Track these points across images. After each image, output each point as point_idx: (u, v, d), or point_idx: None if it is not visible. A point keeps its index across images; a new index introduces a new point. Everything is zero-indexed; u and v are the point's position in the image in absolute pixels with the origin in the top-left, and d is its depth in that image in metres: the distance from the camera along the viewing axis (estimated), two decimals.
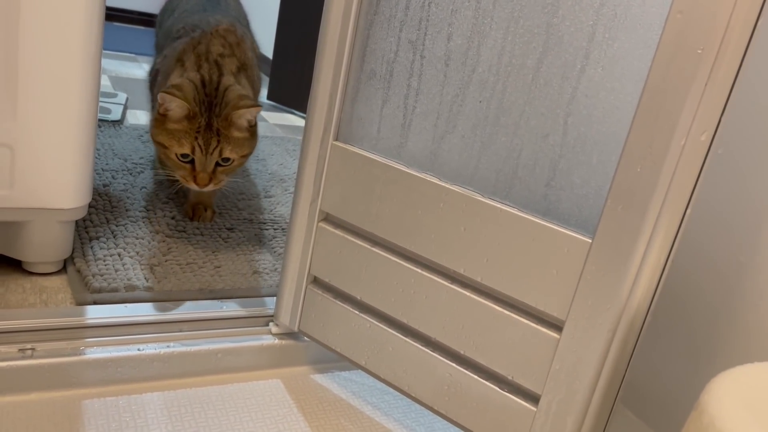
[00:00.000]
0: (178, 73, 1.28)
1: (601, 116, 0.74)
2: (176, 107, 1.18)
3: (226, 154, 1.21)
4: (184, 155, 1.21)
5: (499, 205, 0.82)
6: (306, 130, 0.99)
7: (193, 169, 1.22)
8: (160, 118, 1.21)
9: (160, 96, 1.17)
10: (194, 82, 1.23)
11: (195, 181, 1.22)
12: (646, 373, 1.04)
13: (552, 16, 0.75)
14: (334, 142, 0.96)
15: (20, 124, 1.01)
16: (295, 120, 2.63)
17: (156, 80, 1.43)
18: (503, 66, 0.80)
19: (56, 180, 1.07)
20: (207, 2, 1.59)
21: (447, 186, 0.86)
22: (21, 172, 1.04)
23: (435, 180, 0.87)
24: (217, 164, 1.23)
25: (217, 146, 1.20)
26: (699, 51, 0.65)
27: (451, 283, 0.89)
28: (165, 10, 1.75)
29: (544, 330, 0.81)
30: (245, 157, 1.27)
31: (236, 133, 1.22)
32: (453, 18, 0.83)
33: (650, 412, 1.03)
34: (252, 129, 1.26)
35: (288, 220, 1.54)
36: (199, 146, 1.19)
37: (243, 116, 1.22)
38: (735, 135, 0.91)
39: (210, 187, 1.24)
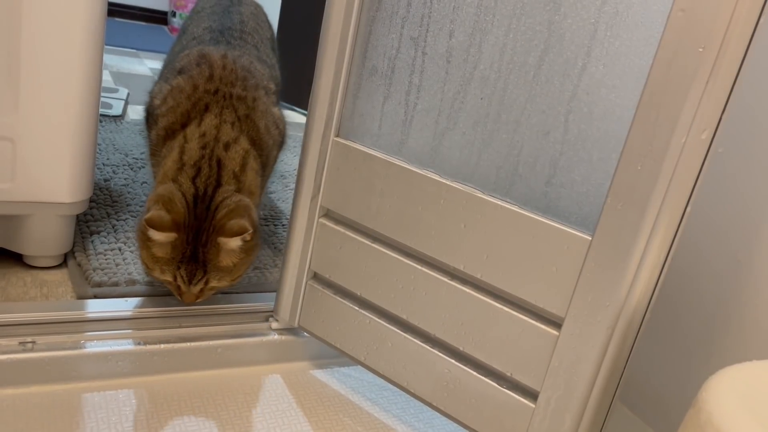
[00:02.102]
0: (175, 155, 1.07)
1: (602, 114, 0.74)
2: (164, 238, 0.99)
3: (213, 284, 1.04)
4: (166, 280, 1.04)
5: (499, 202, 0.82)
6: (307, 126, 0.99)
7: (178, 287, 1.05)
8: (144, 230, 1.01)
9: (143, 223, 0.99)
10: (186, 197, 1.02)
11: (180, 297, 1.05)
12: (644, 370, 1.04)
13: (554, 14, 0.76)
14: (335, 139, 0.96)
15: (22, 118, 1.01)
16: (297, 117, 2.63)
17: (152, 122, 1.20)
18: (505, 63, 0.80)
19: (57, 174, 1.07)
20: (220, 23, 1.38)
21: (447, 182, 0.86)
22: (22, 165, 1.04)
23: (436, 176, 0.88)
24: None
25: (202, 278, 1.02)
26: (700, 49, 0.65)
27: (450, 280, 0.89)
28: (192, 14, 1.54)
29: (544, 327, 0.81)
30: (239, 277, 1.07)
31: (225, 261, 1.02)
32: (455, 15, 0.83)
33: (648, 409, 1.03)
34: (248, 243, 1.04)
35: (288, 216, 1.54)
36: (182, 277, 1.02)
37: (232, 242, 1.01)
38: (736, 134, 0.91)
39: (198, 301, 1.07)
